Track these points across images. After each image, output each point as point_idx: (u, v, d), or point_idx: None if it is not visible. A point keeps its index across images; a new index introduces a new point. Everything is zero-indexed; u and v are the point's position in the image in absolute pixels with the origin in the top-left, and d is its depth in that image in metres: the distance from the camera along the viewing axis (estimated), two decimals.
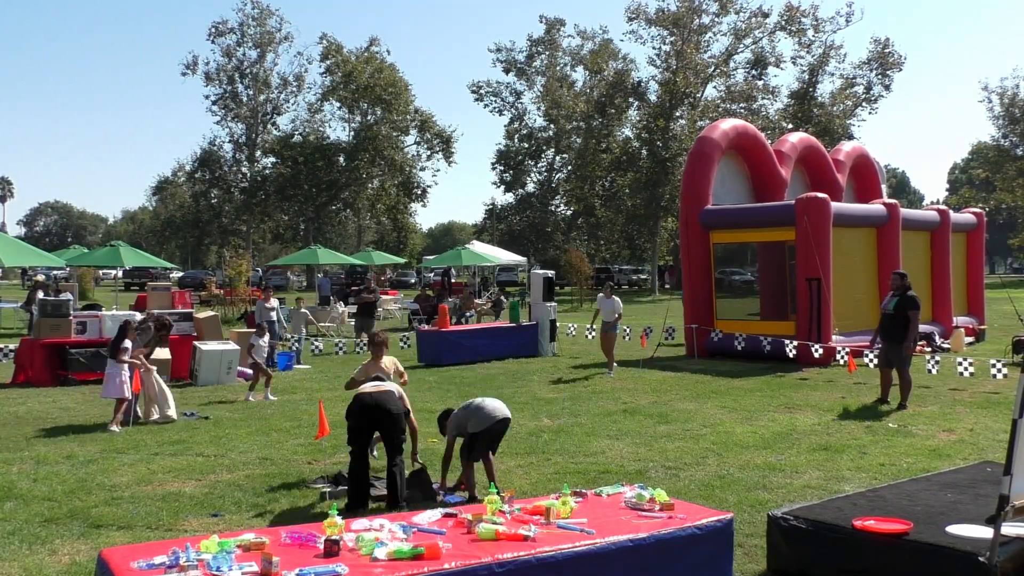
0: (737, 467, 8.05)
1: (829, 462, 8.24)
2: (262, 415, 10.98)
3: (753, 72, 52.57)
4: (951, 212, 20.23)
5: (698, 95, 50.36)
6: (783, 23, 51.53)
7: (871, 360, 14.84)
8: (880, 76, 52.71)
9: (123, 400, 9.99)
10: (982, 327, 20.85)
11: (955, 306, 19.84)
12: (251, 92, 58.94)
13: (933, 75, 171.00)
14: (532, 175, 63.98)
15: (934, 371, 13.53)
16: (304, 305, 18.21)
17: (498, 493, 4.89)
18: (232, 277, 30.78)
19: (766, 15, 51.26)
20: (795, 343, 15.21)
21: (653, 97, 50.61)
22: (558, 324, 18.50)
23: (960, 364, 13.62)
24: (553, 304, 18.26)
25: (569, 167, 60.03)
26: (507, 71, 62.23)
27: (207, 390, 13.20)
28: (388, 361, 7.77)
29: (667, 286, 51.53)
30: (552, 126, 60.31)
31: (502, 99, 63.05)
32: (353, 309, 23.10)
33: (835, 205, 16.33)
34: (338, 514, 4.28)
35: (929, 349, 17.12)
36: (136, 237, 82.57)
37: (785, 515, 5.32)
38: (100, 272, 49.99)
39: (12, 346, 14.29)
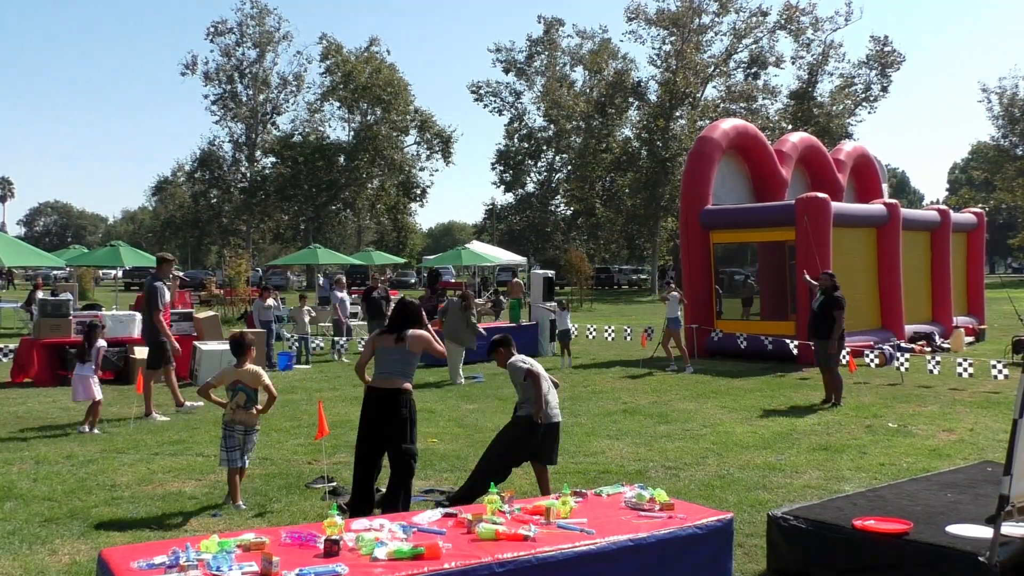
0: (737, 467, 8.05)
1: (829, 462, 8.24)
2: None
3: (753, 72, 52.60)
4: (951, 212, 20.24)
5: (698, 95, 50.38)
6: (783, 22, 51.57)
7: (872, 360, 14.86)
8: (880, 75, 52.75)
9: (97, 403, 9.87)
10: (982, 327, 20.86)
11: (955, 306, 19.85)
12: (251, 92, 58.95)
13: (933, 75, 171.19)
14: (532, 175, 64.01)
15: (935, 371, 13.54)
16: (307, 304, 18.22)
17: (498, 493, 4.88)
18: (232, 277, 30.79)
19: (765, 14, 51.31)
20: (796, 343, 15.22)
21: (653, 97, 50.65)
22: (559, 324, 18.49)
23: (960, 364, 13.62)
24: (553, 304, 18.25)
25: (569, 167, 60.05)
26: (507, 71, 62.26)
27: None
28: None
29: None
30: (552, 126, 60.33)
31: (502, 99, 63.09)
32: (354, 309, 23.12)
33: (835, 205, 16.33)
34: (338, 514, 4.28)
35: (929, 349, 17.13)
36: (136, 237, 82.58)
37: (785, 515, 5.32)
38: (100, 272, 50.01)
39: (12, 346, 14.29)
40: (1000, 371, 12.88)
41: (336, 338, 17.89)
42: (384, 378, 6.30)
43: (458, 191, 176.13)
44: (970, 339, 19.33)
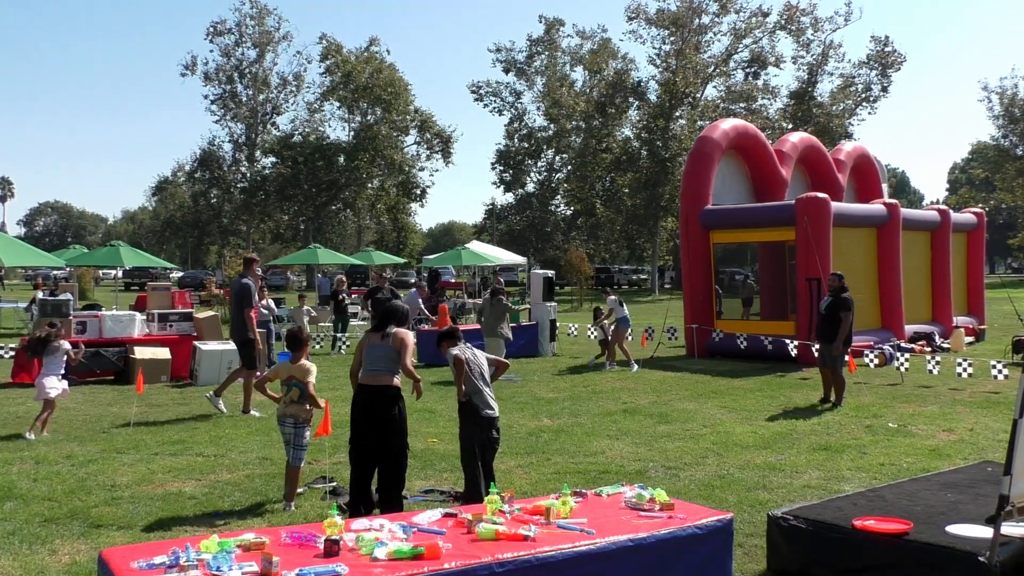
0: (737, 467, 8.05)
1: (829, 462, 8.24)
2: (262, 415, 10.97)
3: (753, 72, 52.61)
4: (951, 212, 20.24)
5: (698, 95, 50.38)
6: (782, 22, 51.57)
7: (871, 360, 14.86)
8: (880, 76, 52.75)
9: (51, 403, 9.64)
10: (982, 327, 20.86)
11: (955, 306, 19.85)
12: (250, 92, 58.97)
13: (933, 75, 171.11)
14: (532, 175, 63.99)
15: (935, 371, 13.54)
16: (307, 303, 18.26)
17: (498, 493, 4.89)
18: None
19: (766, 14, 51.31)
20: (795, 343, 15.22)
21: (653, 97, 50.62)
22: (558, 324, 18.51)
23: (960, 364, 13.62)
24: (553, 304, 18.27)
25: (569, 167, 60.05)
26: (507, 71, 62.24)
27: (207, 390, 13.17)
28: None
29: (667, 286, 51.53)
30: (552, 126, 60.32)
31: (502, 99, 63.06)
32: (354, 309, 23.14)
33: (835, 205, 16.33)
34: (338, 514, 4.28)
35: (929, 349, 17.13)
36: (136, 237, 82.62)
37: (785, 515, 5.32)
38: (100, 272, 49.99)
39: (12, 346, 14.29)
40: (1000, 371, 12.88)
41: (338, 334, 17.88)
42: (372, 375, 6.48)
43: (458, 191, 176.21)
44: (970, 339, 19.33)
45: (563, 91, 58.43)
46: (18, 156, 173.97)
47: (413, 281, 20.68)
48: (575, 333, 20.53)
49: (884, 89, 52.97)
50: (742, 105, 51.24)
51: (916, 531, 4.83)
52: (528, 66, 62.18)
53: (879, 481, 7.26)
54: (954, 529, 4.87)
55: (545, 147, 62.86)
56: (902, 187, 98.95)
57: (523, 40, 79.53)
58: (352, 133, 60.56)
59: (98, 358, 13.91)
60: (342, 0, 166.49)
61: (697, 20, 50.66)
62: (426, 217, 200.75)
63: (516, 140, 63.18)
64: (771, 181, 18.67)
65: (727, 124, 18.52)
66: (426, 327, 18.07)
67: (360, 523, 4.52)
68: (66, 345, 10.02)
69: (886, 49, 52.27)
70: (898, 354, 13.96)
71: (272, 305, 16.86)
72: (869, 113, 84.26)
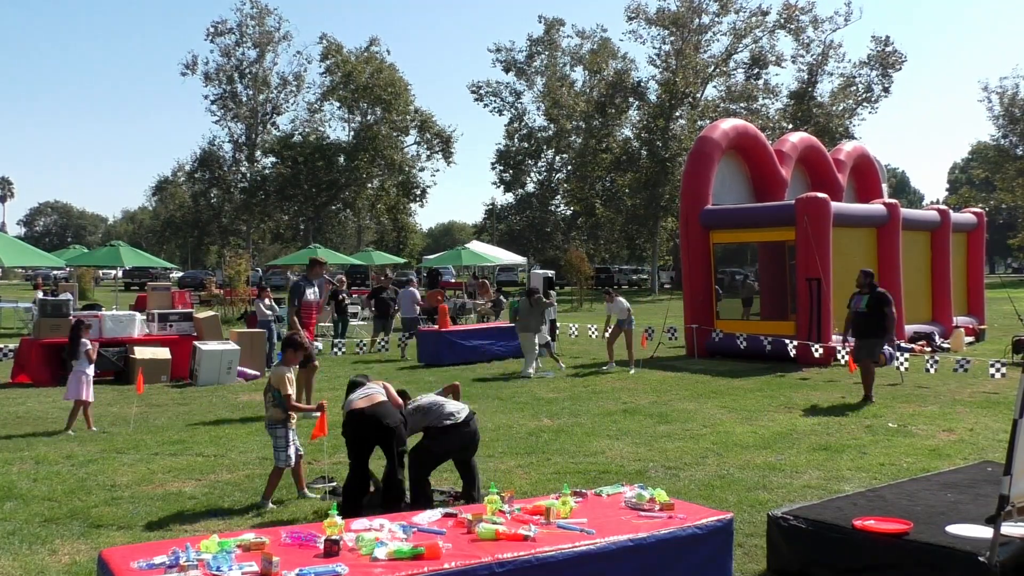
0: (737, 467, 8.05)
1: (829, 462, 8.24)
2: (262, 415, 10.97)
3: (753, 71, 52.61)
4: (951, 212, 20.23)
5: (698, 95, 50.38)
6: (782, 21, 51.57)
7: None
8: (881, 76, 52.75)
9: (80, 403, 9.86)
10: (982, 327, 20.85)
11: (955, 306, 19.83)
12: (250, 92, 58.91)
13: (933, 75, 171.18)
14: (532, 175, 64.03)
15: (931, 370, 13.54)
16: None
17: (498, 493, 4.88)
18: (232, 277, 30.78)
19: (765, 13, 51.32)
20: (795, 343, 15.22)
21: (653, 97, 50.63)
22: (558, 324, 18.51)
23: (960, 364, 13.62)
24: (553, 304, 18.26)
25: (569, 167, 60.07)
26: (507, 71, 62.29)
27: (207, 390, 13.20)
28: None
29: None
30: (552, 126, 60.33)
31: (502, 99, 63.11)
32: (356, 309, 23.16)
33: (835, 205, 16.33)
34: (338, 514, 4.28)
35: (929, 349, 17.12)
36: (136, 237, 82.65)
37: (785, 515, 5.32)
38: (100, 272, 50.00)
39: (12, 346, 14.29)
40: (1000, 371, 12.87)
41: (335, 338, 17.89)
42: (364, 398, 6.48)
43: (458, 191, 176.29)
44: (970, 339, 19.32)
45: (563, 91, 58.47)
46: (18, 156, 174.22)
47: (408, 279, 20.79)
48: (575, 333, 20.53)
49: (885, 89, 53.01)
50: (742, 105, 51.25)
51: (916, 531, 4.83)
52: (528, 66, 62.22)
53: (879, 481, 7.26)
54: (954, 529, 4.87)
55: (545, 147, 62.89)
56: (902, 187, 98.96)
57: (523, 40, 79.66)
58: (352, 133, 60.55)
59: (98, 358, 13.83)
60: (342, 0, 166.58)
61: (697, 20, 50.67)
62: (426, 217, 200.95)
63: (516, 140, 63.21)
64: (771, 181, 18.67)
65: (727, 124, 18.52)
66: (426, 327, 18.07)
67: (360, 523, 4.52)
68: (88, 344, 10.17)
69: (887, 49, 52.28)
70: (898, 354, 13.96)
71: (275, 305, 16.87)
72: (870, 113, 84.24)
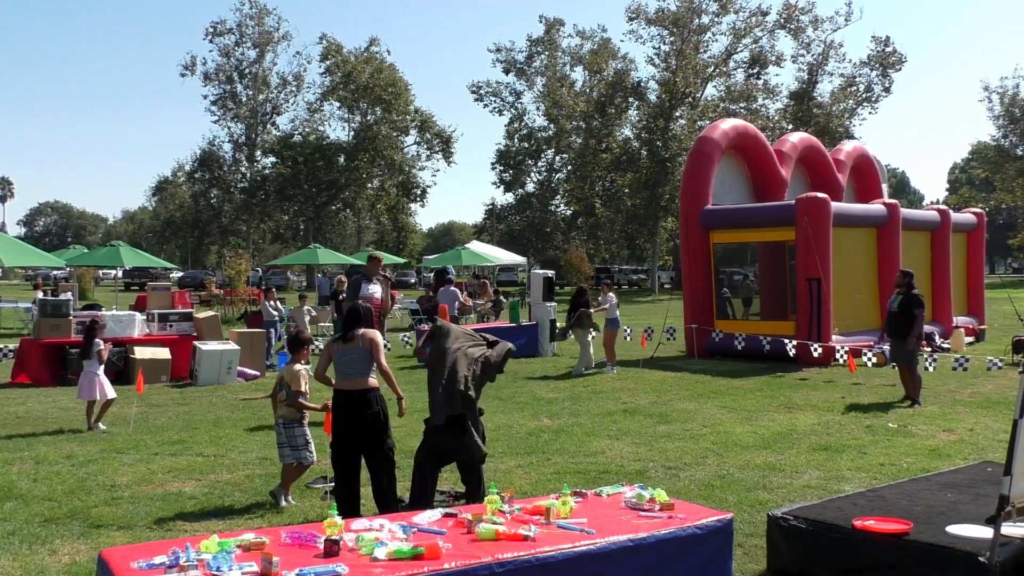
0: (737, 467, 8.05)
1: (829, 462, 8.23)
2: (262, 415, 10.97)
3: (753, 71, 52.61)
4: (951, 212, 20.24)
5: (698, 95, 50.38)
6: (782, 21, 51.57)
7: (870, 360, 14.85)
8: (881, 76, 52.76)
9: (94, 402, 9.93)
10: (982, 327, 20.86)
11: (955, 306, 19.84)
12: (250, 92, 58.95)
13: (933, 75, 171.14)
14: (532, 175, 64.02)
15: (930, 369, 13.54)
16: (307, 304, 18.27)
17: (498, 493, 4.88)
18: (232, 277, 30.78)
19: (765, 13, 51.31)
20: (795, 343, 15.22)
21: (653, 97, 50.62)
22: (558, 324, 18.49)
23: (960, 364, 13.62)
24: (553, 304, 18.26)
25: (569, 167, 60.05)
26: (507, 71, 62.24)
27: (207, 390, 13.20)
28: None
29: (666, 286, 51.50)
30: (552, 126, 60.33)
31: (502, 99, 63.08)
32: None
33: (835, 205, 16.33)
34: (338, 514, 4.28)
35: (929, 349, 17.12)
36: (136, 237, 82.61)
37: (785, 515, 5.32)
38: (100, 272, 49.99)
39: (12, 346, 14.29)
40: (998, 367, 12.87)
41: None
42: (348, 379, 6.40)
43: (458, 191, 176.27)
44: (970, 339, 19.33)
45: (563, 91, 58.45)
46: (18, 156, 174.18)
47: (449, 276, 20.87)
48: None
49: (886, 89, 53.03)
50: (742, 105, 51.24)
51: (916, 531, 4.83)
52: (528, 66, 62.19)
53: (879, 481, 7.26)
54: (954, 529, 4.87)
55: (545, 147, 62.87)
56: (902, 187, 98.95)
57: (523, 40, 79.60)
58: (352, 133, 60.57)
59: None
60: (342, 0, 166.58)
61: (697, 20, 50.64)
62: (426, 217, 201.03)
63: (516, 140, 63.19)
64: (771, 181, 18.67)
65: (727, 124, 18.52)
66: (426, 327, 18.04)
67: (360, 523, 4.52)
68: (101, 344, 10.22)
69: (887, 49, 52.28)
70: None
71: (280, 306, 16.87)
72: (870, 113, 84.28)
